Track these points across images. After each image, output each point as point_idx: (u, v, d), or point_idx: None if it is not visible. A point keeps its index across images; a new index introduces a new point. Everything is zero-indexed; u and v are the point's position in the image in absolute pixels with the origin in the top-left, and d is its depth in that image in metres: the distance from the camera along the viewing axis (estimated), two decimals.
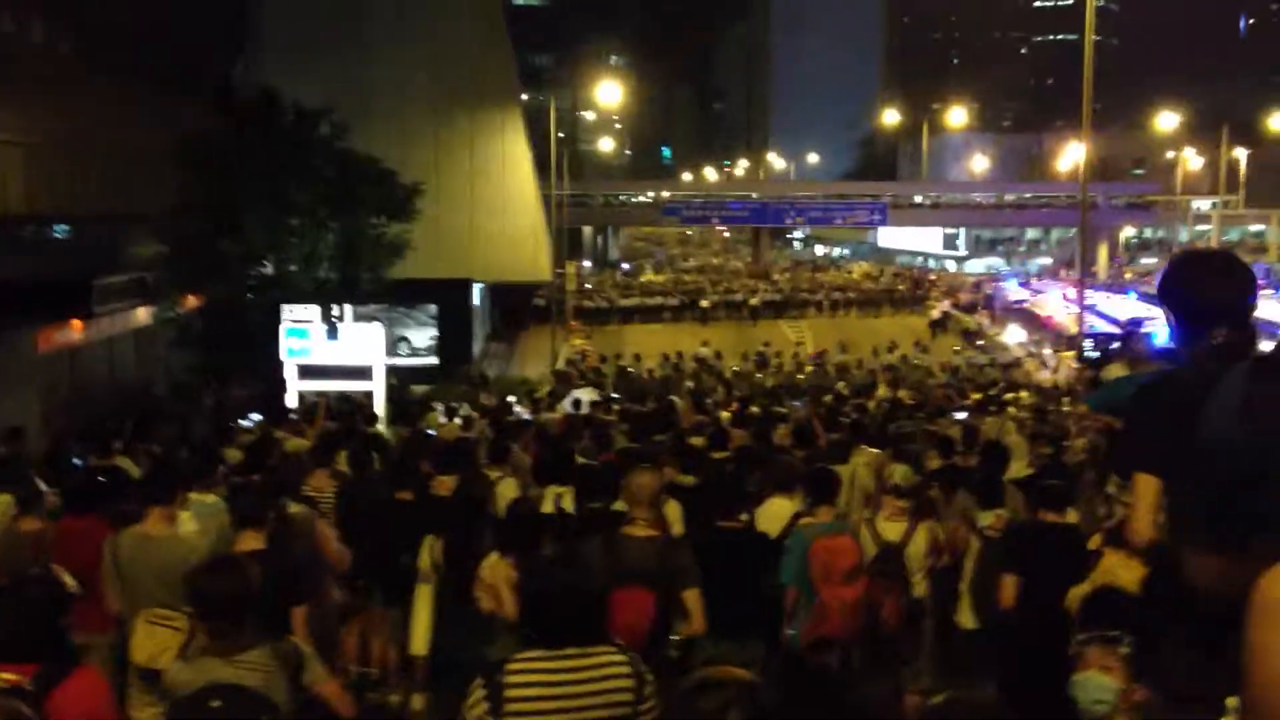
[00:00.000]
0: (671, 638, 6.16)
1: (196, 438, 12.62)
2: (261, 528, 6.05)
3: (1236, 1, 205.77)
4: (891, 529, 7.44)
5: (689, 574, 6.00)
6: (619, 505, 8.10)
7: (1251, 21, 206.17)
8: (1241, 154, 79.97)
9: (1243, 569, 1.92)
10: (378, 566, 7.90)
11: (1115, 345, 11.16)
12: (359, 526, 8.14)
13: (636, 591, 5.88)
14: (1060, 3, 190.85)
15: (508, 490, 9.36)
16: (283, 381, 20.49)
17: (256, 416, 16.79)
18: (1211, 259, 3.12)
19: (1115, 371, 9.13)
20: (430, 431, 14.63)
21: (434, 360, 40.67)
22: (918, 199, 78.00)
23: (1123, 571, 4.70)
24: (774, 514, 7.82)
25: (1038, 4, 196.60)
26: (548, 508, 9.00)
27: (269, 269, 26.54)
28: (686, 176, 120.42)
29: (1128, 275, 67.68)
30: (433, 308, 41.98)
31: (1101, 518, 7.99)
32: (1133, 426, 2.92)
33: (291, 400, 20.31)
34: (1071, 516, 8.93)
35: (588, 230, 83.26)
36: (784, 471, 8.22)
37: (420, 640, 7.40)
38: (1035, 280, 68.53)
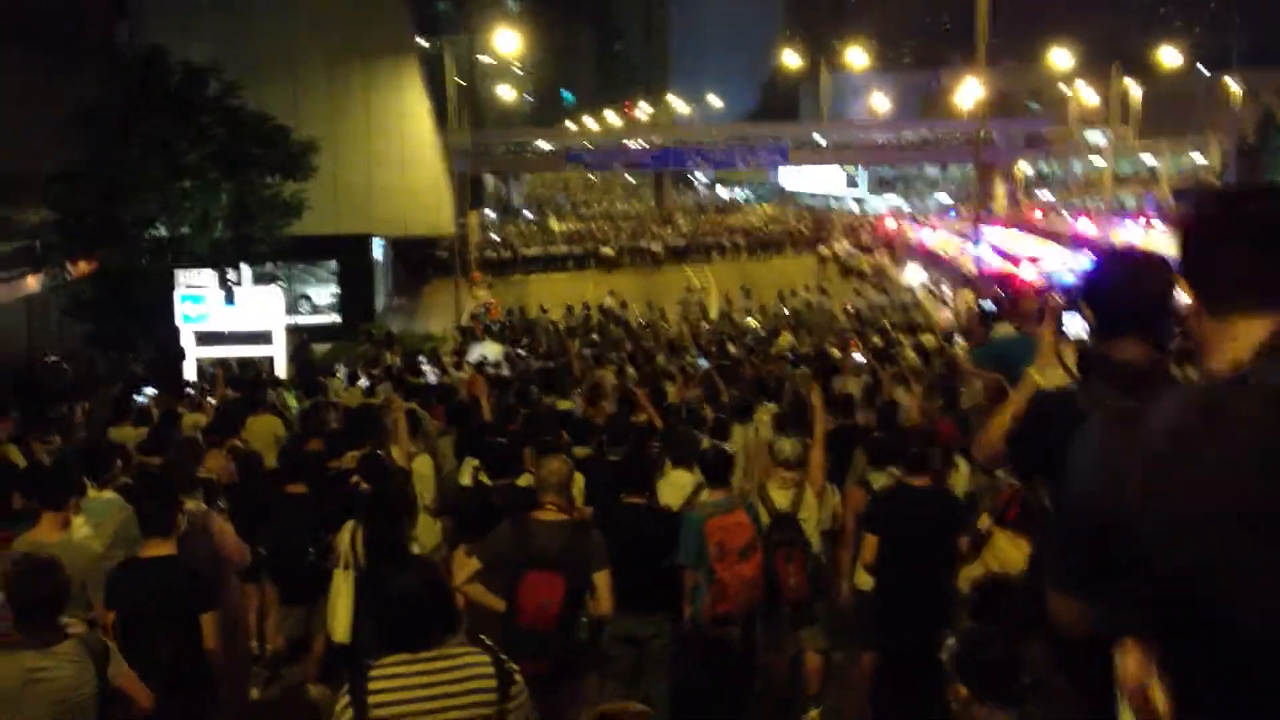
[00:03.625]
0: (581, 619, 6.27)
1: (92, 422, 12.35)
2: (170, 535, 5.97)
3: None
4: (782, 496, 7.55)
5: (598, 556, 6.12)
6: (525, 480, 8.16)
7: None
8: (1133, 86, 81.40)
9: (1092, 616, 2.00)
10: (277, 563, 7.83)
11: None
12: (255, 518, 8.05)
13: (547, 575, 5.97)
14: None
15: (423, 468, 9.33)
16: (180, 350, 20.10)
17: (151, 391, 16.44)
18: (1131, 261, 3.15)
19: (1003, 330, 9.29)
20: (334, 400, 14.48)
21: (336, 318, 40.43)
22: (819, 139, 78.38)
23: (1012, 551, 4.83)
24: (675, 485, 7.92)
25: None
26: (465, 480, 9.03)
27: (162, 233, 25.93)
28: (589, 121, 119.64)
29: (1036, 214, 68.47)
30: (333, 264, 41.68)
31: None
32: (1022, 434, 3.00)
33: (190, 369, 19.96)
34: (962, 466, 9.17)
35: (490, 179, 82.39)
36: (684, 445, 8.31)
37: (342, 628, 7.33)
38: (933, 218, 69.37)
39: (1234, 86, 70.66)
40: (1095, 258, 3.25)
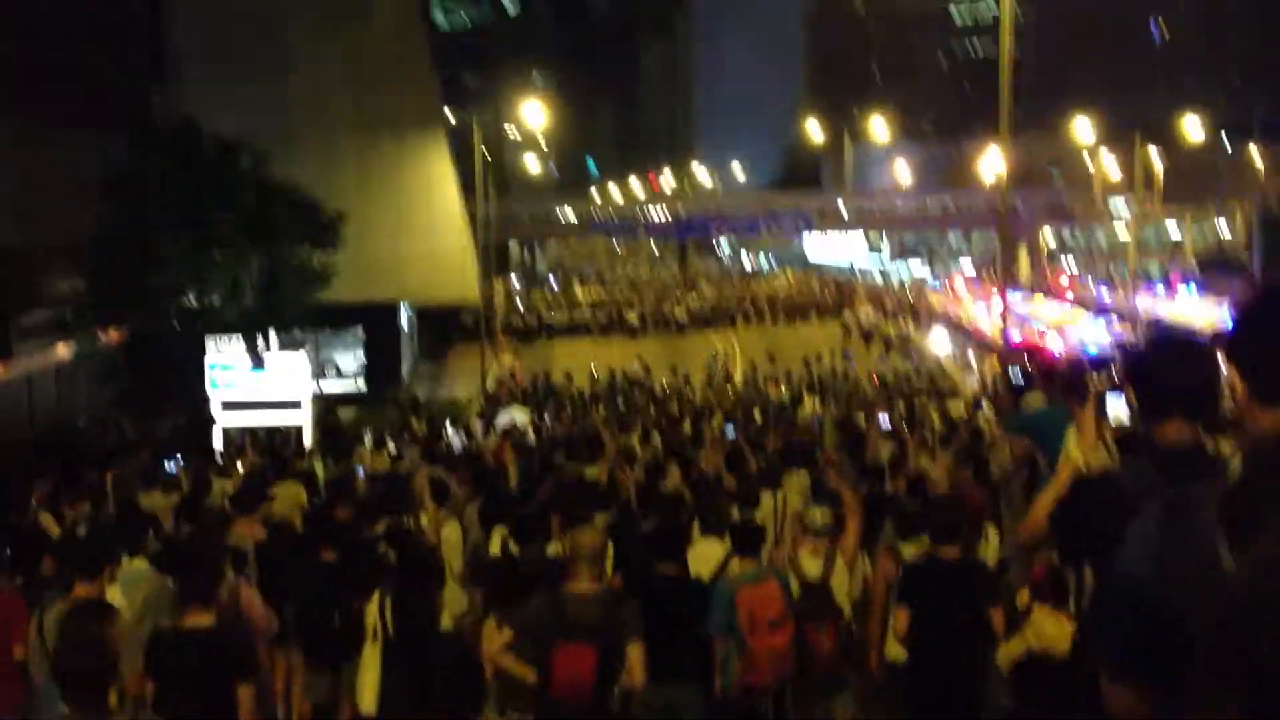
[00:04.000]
0: (613, 691, 6.22)
1: (123, 491, 12.41)
2: (211, 605, 5.98)
3: (1146, 9, 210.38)
4: (813, 565, 7.51)
5: (631, 628, 6.07)
6: (554, 548, 8.14)
7: (1162, 25, 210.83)
8: (1156, 156, 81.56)
9: (1153, 707, 1.99)
10: (305, 629, 7.81)
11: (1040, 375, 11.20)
12: (283, 585, 8.04)
13: (579, 646, 5.93)
14: (977, 12, 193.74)
15: (451, 536, 9.32)
16: (210, 417, 20.21)
17: (179, 458, 16.53)
18: (1178, 345, 3.17)
19: (1034, 401, 9.26)
20: (359, 468, 14.52)
21: (362, 384, 40.58)
22: (842, 208, 78.73)
23: (1053, 628, 4.79)
24: (705, 556, 7.89)
25: (955, 14, 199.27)
26: (494, 549, 9.01)
27: (192, 301, 26.20)
28: (613, 189, 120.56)
29: (1062, 281, 68.45)
30: (360, 331, 41.92)
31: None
32: (1067, 516, 3.00)
33: (217, 436, 20.06)
34: (992, 536, 9.10)
35: (515, 246, 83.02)
36: (715, 514, 8.29)
37: (369, 698, 7.29)
38: (957, 286, 69.41)
39: (1257, 157, 70.66)
40: (1141, 340, 3.28)
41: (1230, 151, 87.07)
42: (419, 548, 8.09)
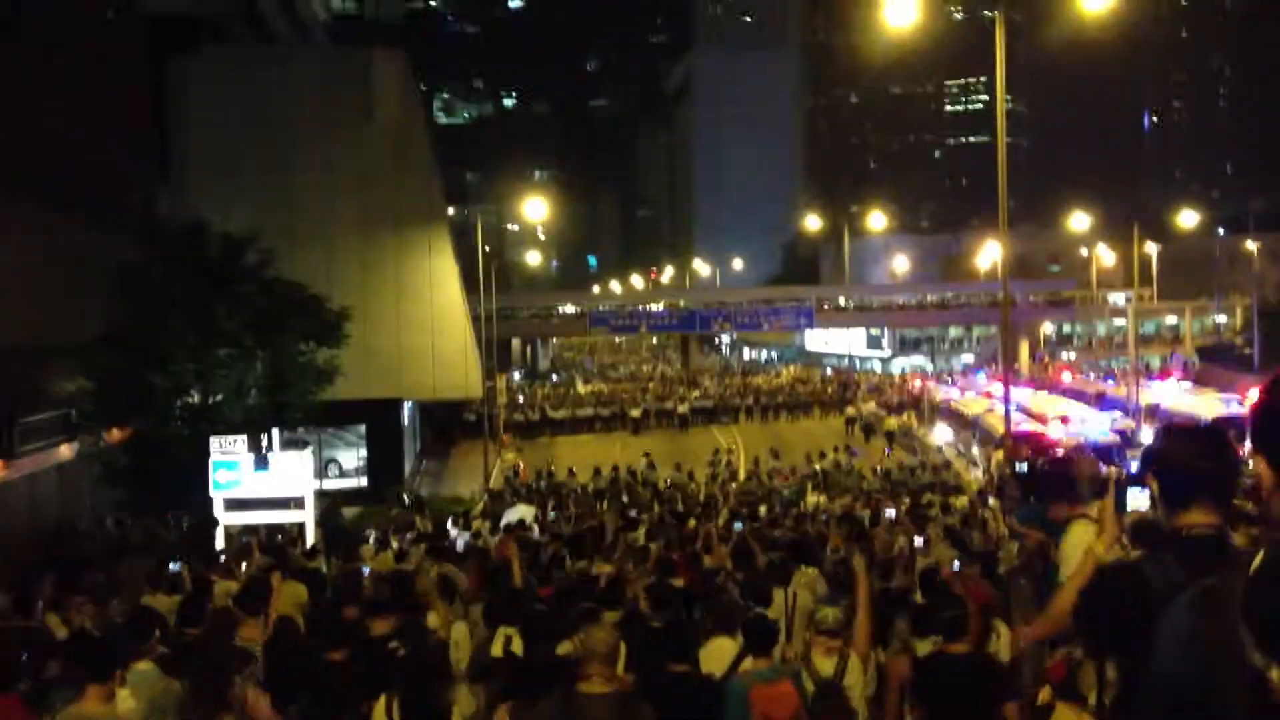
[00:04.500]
0: None
1: (123, 590, 12.33)
2: (221, 709, 5.92)
3: (1139, 100, 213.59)
4: (825, 664, 7.45)
5: None
6: (565, 647, 8.07)
7: (1155, 120, 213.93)
8: (1152, 249, 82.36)
9: None
10: None
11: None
12: (290, 686, 7.94)
13: None
14: (971, 106, 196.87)
15: (460, 635, 9.24)
16: (213, 518, 20.12)
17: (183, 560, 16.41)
18: (1198, 433, 3.20)
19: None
20: (364, 569, 14.42)
21: (364, 481, 40.48)
22: (842, 301, 79.22)
23: None
24: (717, 654, 7.81)
25: (950, 108, 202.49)
26: (497, 650, 8.91)
27: (196, 400, 26.20)
28: (613, 284, 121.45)
29: (1064, 374, 68.67)
30: (362, 428, 41.90)
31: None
32: (1090, 609, 2.99)
33: (220, 536, 19.94)
34: (1004, 632, 9.03)
35: (516, 342, 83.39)
36: (727, 612, 8.23)
37: None
38: (959, 378, 69.50)
39: (1252, 247, 71.33)
40: (1157, 432, 3.30)
41: (1227, 241, 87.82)
42: (428, 647, 8.01)
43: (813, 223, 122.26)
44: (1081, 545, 6.73)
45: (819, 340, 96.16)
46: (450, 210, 54.85)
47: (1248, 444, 2.38)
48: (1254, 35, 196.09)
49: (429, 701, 6.83)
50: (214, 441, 21.30)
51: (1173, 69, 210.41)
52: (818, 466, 36.06)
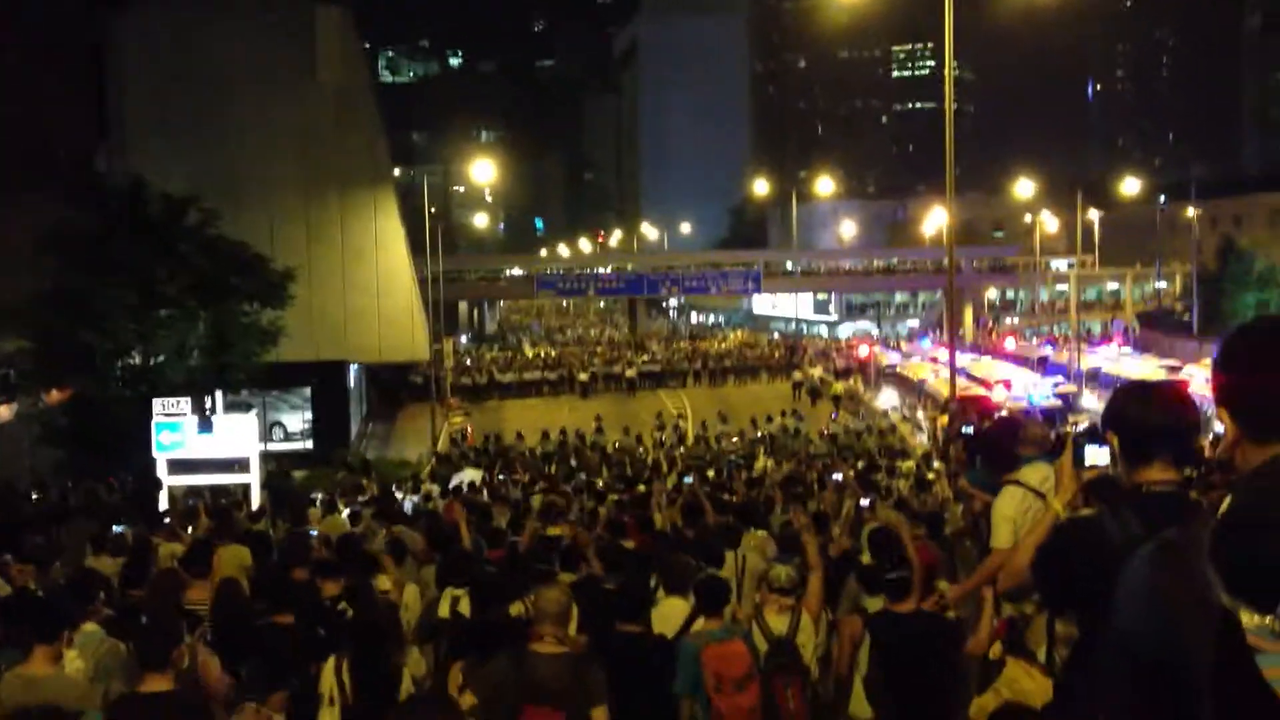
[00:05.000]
0: None
1: (70, 555, 12.15)
2: (167, 670, 5.84)
3: (1083, 69, 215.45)
4: (778, 622, 7.47)
5: (598, 691, 5.99)
6: (515, 609, 8.04)
7: (1098, 88, 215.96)
8: (1094, 215, 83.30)
9: None
10: (257, 694, 7.63)
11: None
12: (238, 648, 7.87)
13: (546, 710, 5.83)
14: (918, 72, 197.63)
15: (410, 598, 9.19)
16: (156, 479, 19.86)
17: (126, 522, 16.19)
18: (1156, 389, 3.21)
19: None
20: (312, 530, 14.29)
21: (309, 445, 40.18)
22: (789, 266, 79.46)
23: (1026, 681, 4.78)
24: (669, 615, 7.82)
25: (896, 74, 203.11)
26: (444, 611, 8.86)
27: (137, 361, 25.83)
28: (561, 248, 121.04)
29: (1007, 340, 69.52)
30: (307, 391, 41.56)
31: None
32: (1049, 565, 2.99)
33: (164, 498, 19.70)
34: (946, 588, 9.13)
35: (464, 305, 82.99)
36: (679, 573, 8.23)
37: None
38: (904, 343, 70.04)
39: (1193, 215, 72.32)
40: (1115, 390, 3.31)
41: (1168, 208, 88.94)
42: (378, 609, 7.96)
43: (760, 187, 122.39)
44: (1002, 512, 6.80)
45: (767, 304, 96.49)
46: (396, 171, 54.27)
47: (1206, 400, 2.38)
48: (1196, 5, 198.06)
49: (379, 663, 6.78)
50: (156, 403, 21.02)
51: (1116, 38, 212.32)
52: (764, 431, 36.22)
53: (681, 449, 34.41)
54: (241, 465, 21.19)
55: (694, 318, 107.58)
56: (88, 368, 24.99)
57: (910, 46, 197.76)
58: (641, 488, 20.53)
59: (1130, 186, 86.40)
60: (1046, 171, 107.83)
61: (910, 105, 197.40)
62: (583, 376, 55.14)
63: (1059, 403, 37.44)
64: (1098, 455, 3.47)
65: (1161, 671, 1.85)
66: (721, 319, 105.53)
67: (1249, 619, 1.74)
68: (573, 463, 31.11)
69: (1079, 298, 69.86)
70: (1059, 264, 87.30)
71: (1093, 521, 2.81)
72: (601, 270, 77.98)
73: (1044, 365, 49.13)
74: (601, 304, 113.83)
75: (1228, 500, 1.86)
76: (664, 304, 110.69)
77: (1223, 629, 1.77)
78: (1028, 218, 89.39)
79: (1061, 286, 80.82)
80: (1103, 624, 2.10)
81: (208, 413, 21.67)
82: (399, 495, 21.84)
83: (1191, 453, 3.11)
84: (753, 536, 11.71)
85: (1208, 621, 1.79)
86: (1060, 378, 43.69)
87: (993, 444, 7.67)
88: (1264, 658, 1.73)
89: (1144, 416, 3.06)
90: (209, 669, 7.13)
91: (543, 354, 66.32)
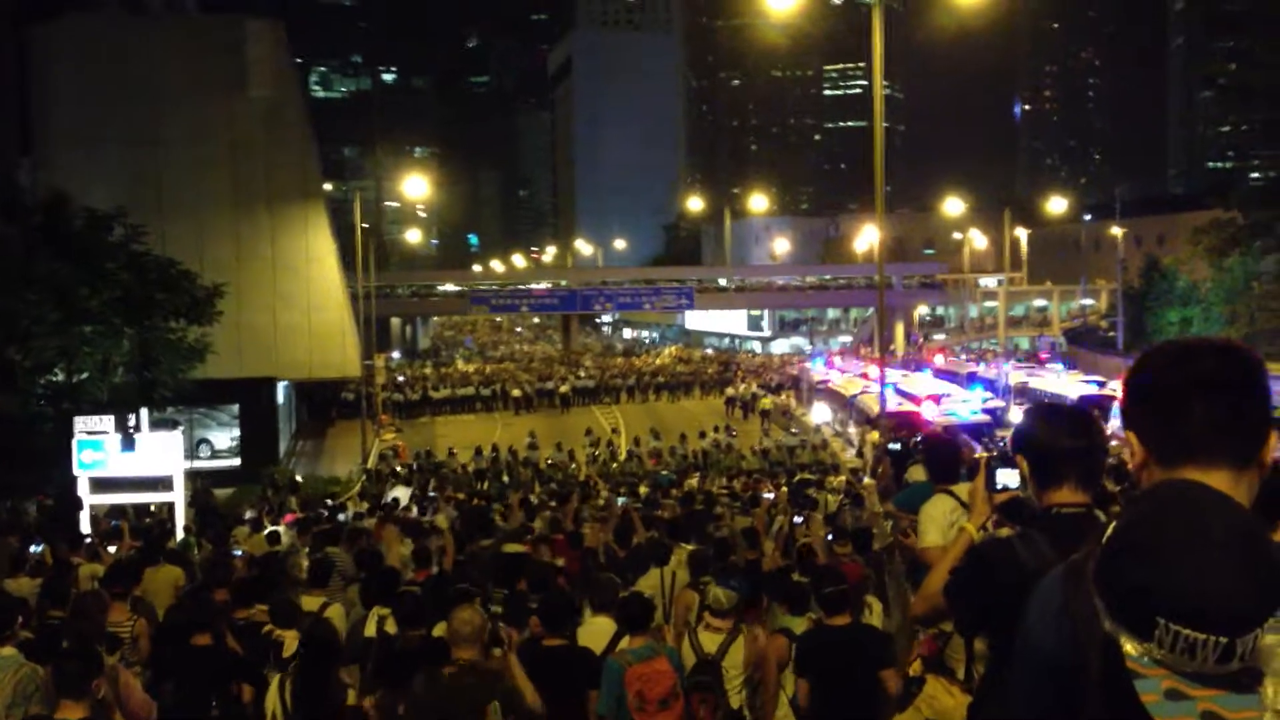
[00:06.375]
0: None
1: None
2: (86, 698, 5.71)
3: (1011, 89, 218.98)
4: (710, 640, 7.50)
5: (514, 707, 6.00)
6: (440, 630, 7.99)
7: (1026, 108, 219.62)
8: (1022, 233, 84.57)
9: None
10: (180, 717, 7.53)
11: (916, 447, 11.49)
12: (161, 670, 7.76)
13: None
14: (850, 91, 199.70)
15: (335, 617, 9.08)
16: (78, 499, 19.48)
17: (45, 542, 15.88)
18: (1065, 416, 3.25)
19: (918, 474, 9.42)
20: (236, 551, 14.11)
21: (237, 462, 39.64)
22: (723, 282, 79.84)
23: (946, 699, 4.83)
24: (596, 633, 7.81)
25: (829, 92, 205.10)
26: (370, 631, 8.79)
27: (60, 377, 25.34)
28: (495, 263, 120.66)
29: (937, 356, 70.30)
30: (235, 408, 41.02)
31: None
32: (962, 588, 3.02)
33: (86, 517, 19.33)
34: (876, 607, 9.20)
35: (396, 321, 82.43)
36: (603, 593, 8.23)
37: None
38: (836, 359, 70.55)
39: (1118, 233, 73.63)
40: (1025, 413, 3.36)
41: (1094, 226, 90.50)
42: (322, 630, 7.88)
43: (694, 204, 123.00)
44: (930, 514, 6.89)
45: (700, 320, 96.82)
46: (328, 186, 53.86)
47: (1114, 422, 2.42)
48: (1120, 29, 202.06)
49: (325, 682, 6.73)
50: (78, 420, 20.63)
51: (1044, 59, 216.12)
52: (696, 447, 36.30)
53: (615, 465, 34.39)
54: (165, 484, 20.84)
55: (628, 334, 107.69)
56: (9, 384, 24.47)
57: (842, 66, 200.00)
58: (574, 504, 20.51)
59: (1057, 205, 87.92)
60: (976, 189, 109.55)
61: (842, 124, 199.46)
62: (516, 393, 54.97)
63: (987, 417, 37.84)
64: (1009, 478, 3.53)
65: (1072, 693, 1.88)
66: (655, 335, 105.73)
67: (1130, 646, 1.77)
68: (505, 479, 30.98)
69: (1007, 314, 70.95)
70: (988, 281, 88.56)
71: (1004, 544, 2.84)
72: (535, 286, 77.88)
73: (972, 380, 49.68)
74: (535, 320, 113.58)
75: (1111, 526, 1.89)
76: (598, 320, 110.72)
77: (1105, 653, 1.80)
78: (957, 235, 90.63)
79: (990, 303, 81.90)
80: (1014, 643, 2.13)
81: (132, 430, 21.24)
82: (323, 513, 21.62)
83: (1099, 475, 3.16)
84: (682, 551, 11.73)
85: (1096, 645, 1.82)
86: (988, 393, 44.21)
87: (939, 453, 7.73)
88: (1142, 682, 1.75)
89: (1052, 439, 3.11)
90: (131, 692, 7.02)
91: (476, 370, 66.02)
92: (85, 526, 18.56)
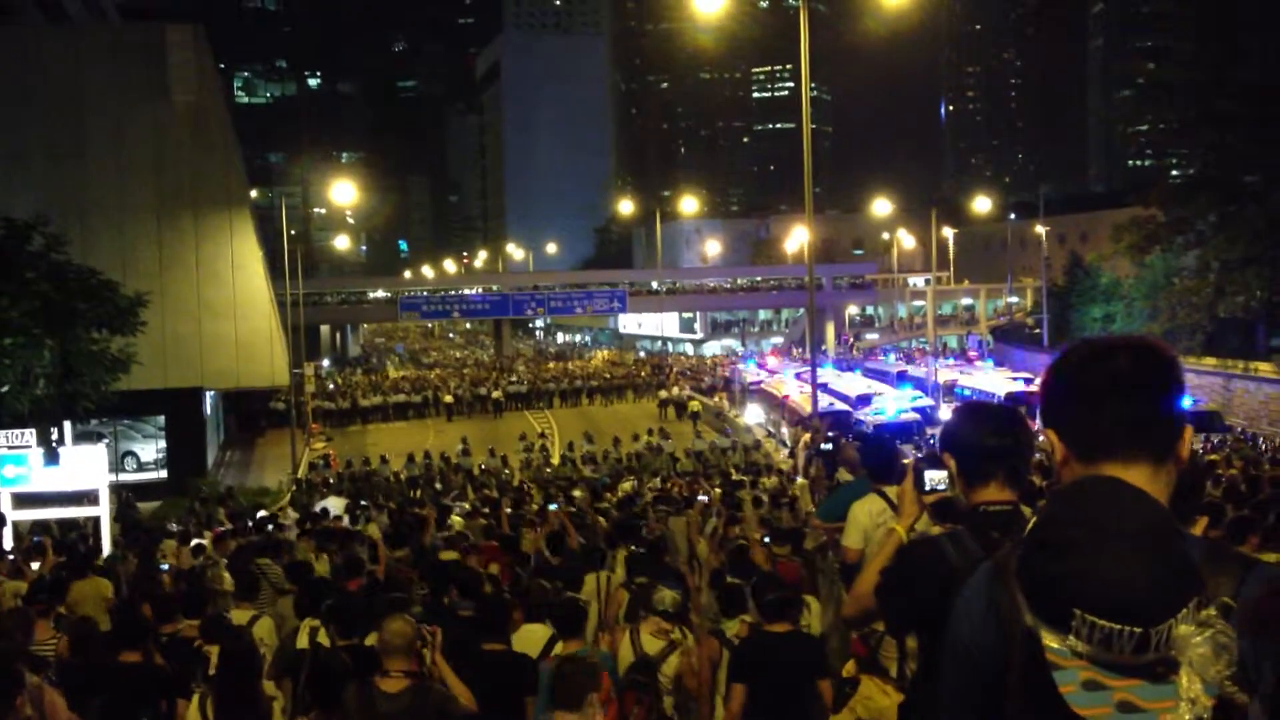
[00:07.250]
0: None
1: None
2: (7, 717, 5.59)
3: (936, 90, 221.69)
4: (652, 644, 7.49)
5: (446, 715, 5.96)
6: (373, 639, 7.91)
7: (951, 109, 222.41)
8: (949, 233, 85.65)
9: None
10: None
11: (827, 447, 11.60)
12: (85, 688, 7.60)
13: None
14: (778, 93, 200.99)
15: (263, 631, 8.97)
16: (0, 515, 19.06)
17: None
18: (990, 415, 3.28)
19: (844, 476, 9.52)
20: (163, 566, 13.89)
21: (164, 474, 39.01)
22: (655, 285, 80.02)
23: (880, 698, 4.85)
24: (529, 640, 7.78)
25: (757, 95, 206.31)
26: (302, 643, 8.68)
27: None
28: (425, 269, 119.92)
29: (856, 352, 71.10)
30: (161, 419, 40.35)
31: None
32: (892, 588, 3.04)
33: (8, 533, 18.92)
34: (814, 607, 9.24)
35: (325, 329, 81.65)
36: (536, 597, 8.20)
37: None
38: (768, 360, 70.94)
39: (1041, 231, 74.80)
40: (953, 412, 3.39)
41: (1018, 225, 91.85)
42: (241, 642, 7.75)
43: (625, 207, 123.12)
44: (855, 517, 6.95)
45: (633, 324, 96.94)
46: (254, 193, 53.19)
47: (1038, 420, 2.45)
48: (1042, 28, 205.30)
49: (245, 696, 6.63)
50: None
51: (967, 60, 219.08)
52: (629, 450, 36.31)
53: (548, 469, 34.30)
54: (91, 498, 20.46)
55: (560, 338, 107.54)
56: None
57: (770, 68, 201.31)
58: (507, 509, 20.42)
59: (982, 204, 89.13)
60: (903, 190, 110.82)
61: (771, 126, 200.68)
62: (448, 399, 54.67)
63: (917, 416, 38.24)
64: (938, 478, 3.55)
65: (997, 688, 1.90)
66: (588, 338, 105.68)
67: (1050, 639, 1.79)
68: (438, 486, 30.78)
69: (935, 313, 71.73)
70: (916, 280, 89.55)
71: (932, 543, 2.86)
72: (467, 292, 77.55)
73: (901, 379, 50.19)
74: (467, 326, 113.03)
75: (1032, 522, 1.91)
76: (530, 325, 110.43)
77: (1027, 646, 1.82)
78: (885, 235, 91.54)
79: (919, 302, 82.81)
80: (944, 644, 2.14)
81: (54, 444, 20.82)
82: (249, 524, 21.33)
83: (1026, 473, 3.20)
84: (619, 553, 11.73)
85: (1018, 639, 1.85)
86: (918, 392, 44.67)
87: (876, 452, 7.78)
88: (1061, 674, 1.78)
89: (978, 438, 3.14)
90: (56, 710, 6.87)
91: (407, 377, 65.57)
92: (7, 543, 18.17)
